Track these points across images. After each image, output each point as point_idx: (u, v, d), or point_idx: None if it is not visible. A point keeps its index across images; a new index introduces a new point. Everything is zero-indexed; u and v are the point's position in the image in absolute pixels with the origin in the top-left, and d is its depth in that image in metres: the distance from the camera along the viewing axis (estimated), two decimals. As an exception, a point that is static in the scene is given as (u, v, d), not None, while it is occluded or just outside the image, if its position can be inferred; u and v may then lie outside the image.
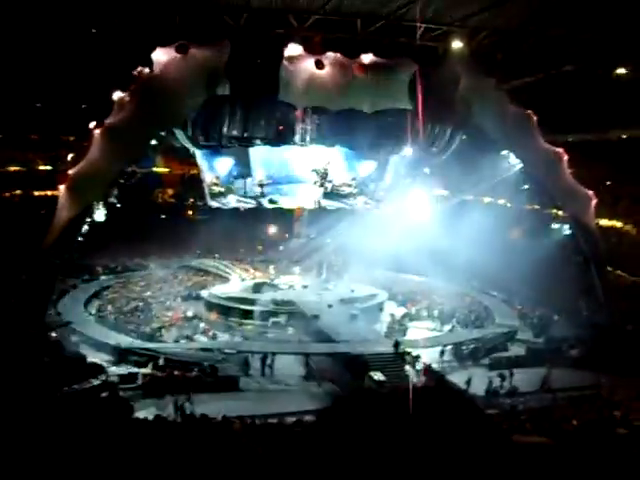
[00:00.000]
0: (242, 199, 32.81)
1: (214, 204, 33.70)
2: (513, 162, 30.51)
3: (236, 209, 33.32)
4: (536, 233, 34.48)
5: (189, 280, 41.52)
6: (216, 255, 44.57)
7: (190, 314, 34.00)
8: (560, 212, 31.25)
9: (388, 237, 34.45)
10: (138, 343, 27.92)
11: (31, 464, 5.45)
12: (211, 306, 35.37)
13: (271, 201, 32.82)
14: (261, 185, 32.37)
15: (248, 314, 32.97)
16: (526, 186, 31.49)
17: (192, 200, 46.57)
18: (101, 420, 9.28)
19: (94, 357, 25.57)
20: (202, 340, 29.78)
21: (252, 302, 33.55)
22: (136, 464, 5.78)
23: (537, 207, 36.17)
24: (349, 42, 26.53)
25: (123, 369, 25.16)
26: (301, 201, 33.68)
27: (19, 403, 11.49)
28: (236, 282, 38.81)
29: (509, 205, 40.90)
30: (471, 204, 40.53)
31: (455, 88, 27.50)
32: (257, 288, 36.64)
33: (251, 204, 33.02)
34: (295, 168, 32.58)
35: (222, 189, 32.94)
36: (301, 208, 35.86)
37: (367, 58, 26.83)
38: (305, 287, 37.55)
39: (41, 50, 27.90)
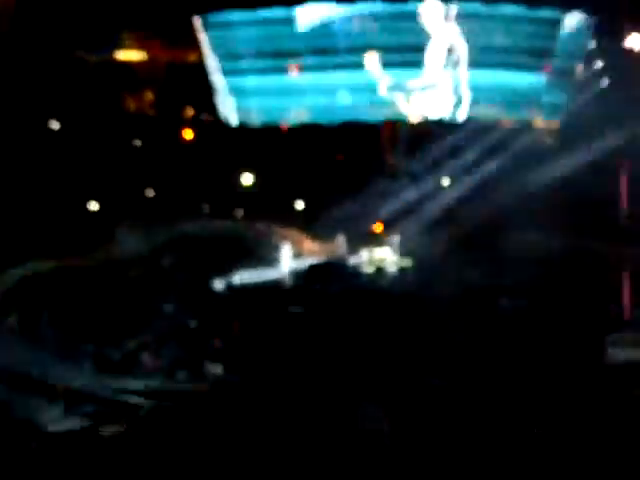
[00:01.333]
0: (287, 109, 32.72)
1: (233, 118, 33.65)
2: None
3: (275, 127, 33.23)
4: None
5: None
6: (239, 214, 43.26)
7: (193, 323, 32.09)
8: None
9: (566, 175, 33.99)
10: (98, 380, 26.23)
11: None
12: (232, 306, 33.72)
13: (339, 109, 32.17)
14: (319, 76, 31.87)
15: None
16: None
17: (192, 112, 44.35)
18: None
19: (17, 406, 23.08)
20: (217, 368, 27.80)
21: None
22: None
23: None
24: None
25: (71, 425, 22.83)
26: (398, 108, 32.47)
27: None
28: (280, 263, 37.69)
29: None
30: None
31: None
32: (315, 273, 35.62)
33: (301, 116, 32.77)
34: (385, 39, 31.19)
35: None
36: (396, 122, 34.67)
37: None
38: (404, 270, 35.85)
39: None
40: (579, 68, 33.82)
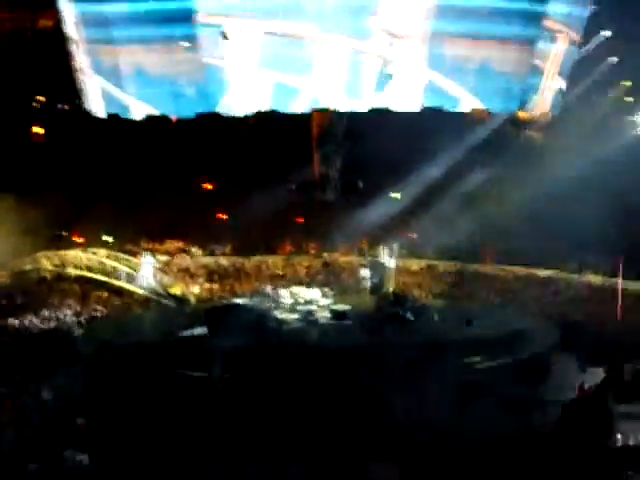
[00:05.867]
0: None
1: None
2: None
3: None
4: None
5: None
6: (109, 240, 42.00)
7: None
8: None
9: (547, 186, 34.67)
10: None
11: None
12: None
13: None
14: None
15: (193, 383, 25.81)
16: None
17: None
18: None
19: None
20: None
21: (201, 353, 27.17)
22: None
23: None
24: None
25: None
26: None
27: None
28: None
29: None
30: None
31: None
32: (214, 318, 30.43)
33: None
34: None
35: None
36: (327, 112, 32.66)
37: None
38: (342, 315, 31.32)
39: None
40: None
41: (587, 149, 34.08)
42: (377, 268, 35.49)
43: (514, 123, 35.66)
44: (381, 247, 36.08)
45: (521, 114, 32.44)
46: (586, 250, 36.71)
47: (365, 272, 36.06)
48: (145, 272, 37.83)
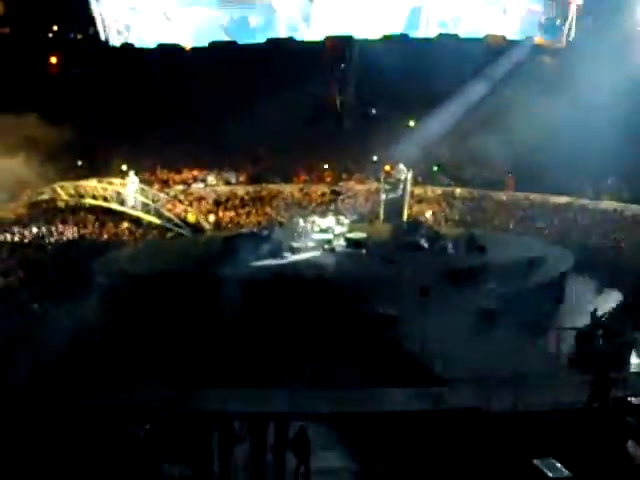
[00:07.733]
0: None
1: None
2: None
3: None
4: None
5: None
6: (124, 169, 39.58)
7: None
8: None
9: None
10: None
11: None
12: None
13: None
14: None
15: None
16: None
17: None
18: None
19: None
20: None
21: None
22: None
23: None
24: None
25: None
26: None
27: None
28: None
29: None
30: None
31: None
32: (231, 246, 29.78)
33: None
34: None
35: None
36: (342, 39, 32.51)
37: None
38: (358, 243, 29.80)
39: None
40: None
41: (604, 78, 33.17)
42: (393, 196, 35.10)
43: (534, 50, 34.72)
44: (396, 174, 35.71)
45: (540, 40, 31.71)
46: (603, 176, 36.46)
47: (381, 200, 35.70)
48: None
